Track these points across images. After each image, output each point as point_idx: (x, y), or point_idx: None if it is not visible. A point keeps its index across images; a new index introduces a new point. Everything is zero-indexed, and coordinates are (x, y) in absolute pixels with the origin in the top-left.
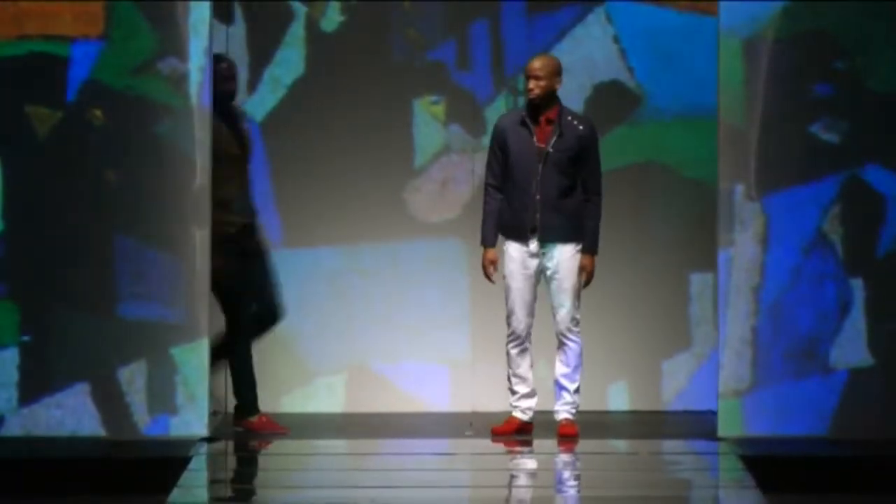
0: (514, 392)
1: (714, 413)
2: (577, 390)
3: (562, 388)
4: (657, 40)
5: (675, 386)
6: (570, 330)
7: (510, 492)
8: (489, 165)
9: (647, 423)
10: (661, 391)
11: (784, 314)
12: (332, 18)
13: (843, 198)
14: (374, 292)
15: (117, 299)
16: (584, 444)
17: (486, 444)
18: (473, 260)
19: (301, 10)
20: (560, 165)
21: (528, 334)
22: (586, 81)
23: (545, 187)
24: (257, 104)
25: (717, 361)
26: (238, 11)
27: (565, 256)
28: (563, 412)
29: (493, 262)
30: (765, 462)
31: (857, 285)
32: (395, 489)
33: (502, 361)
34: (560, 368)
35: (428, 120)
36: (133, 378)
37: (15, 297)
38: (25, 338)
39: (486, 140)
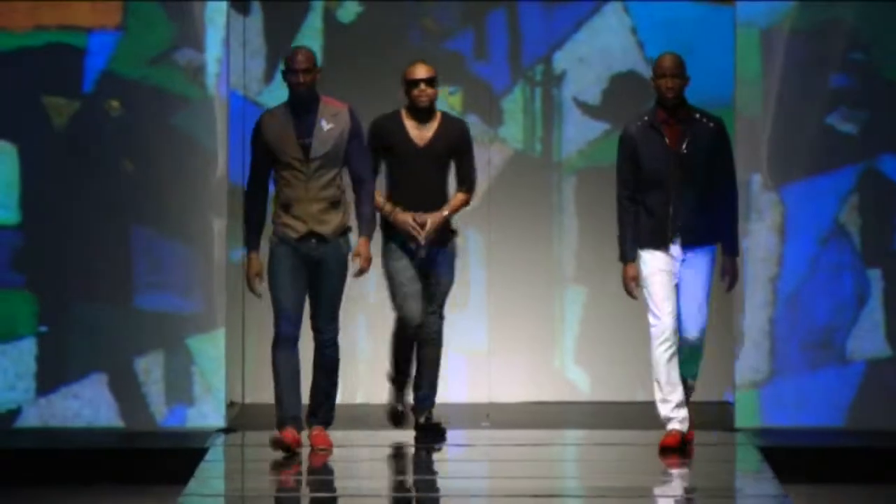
0: (667, 401)
1: (731, 404)
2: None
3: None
4: (674, 31)
5: None
6: (700, 339)
7: (527, 482)
8: (621, 178)
9: None
10: None
11: (801, 305)
12: (349, 9)
13: (860, 188)
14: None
15: (134, 290)
16: (601, 435)
17: (504, 434)
18: (490, 251)
19: (318, 1)
20: (696, 166)
21: (676, 333)
22: (603, 73)
23: (683, 190)
24: (274, 96)
25: (735, 352)
26: (255, 2)
27: (703, 260)
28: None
29: (635, 278)
30: (782, 453)
31: (875, 276)
32: (413, 479)
33: (519, 352)
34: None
35: (445, 110)
36: (150, 369)
37: (32, 288)
38: (43, 328)
39: (502, 130)
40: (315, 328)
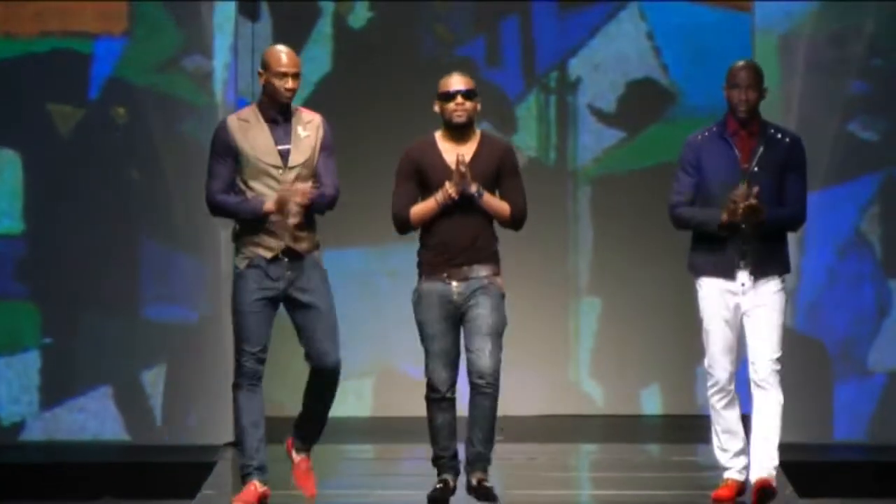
0: (724, 450)
1: (749, 417)
2: (777, 445)
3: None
4: (691, 37)
5: None
6: (772, 376)
7: (541, 494)
8: (679, 186)
9: (681, 428)
10: (694, 395)
11: (821, 316)
12: (360, 15)
13: (880, 197)
14: (403, 294)
15: (141, 301)
16: (616, 448)
17: (517, 448)
18: (503, 261)
19: (328, 6)
20: (766, 185)
21: (734, 382)
22: (619, 79)
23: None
24: None
25: None
26: (264, 8)
27: (771, 290)
28: (759, 470)
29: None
30: (802, 466)
31: None
32: (423, 493)
33: (533, 365)
34: (758, 422)
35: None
36: (157, 381)
37: (36, 299)
38: (47, 340)
39: (516, 138)
40: (316, 356)
